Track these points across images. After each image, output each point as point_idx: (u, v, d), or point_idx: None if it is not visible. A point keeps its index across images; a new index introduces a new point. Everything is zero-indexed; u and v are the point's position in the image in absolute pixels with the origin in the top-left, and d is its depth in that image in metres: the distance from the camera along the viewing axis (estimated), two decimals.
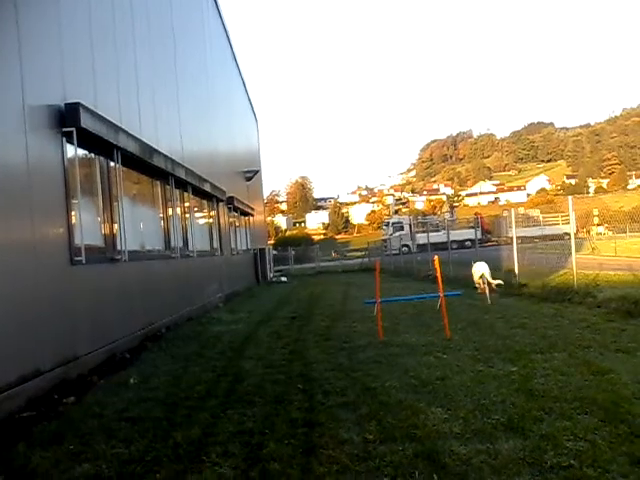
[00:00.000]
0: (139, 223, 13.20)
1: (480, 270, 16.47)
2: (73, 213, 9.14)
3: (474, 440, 5.17)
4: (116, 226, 11.18)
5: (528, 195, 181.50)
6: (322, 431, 5.65)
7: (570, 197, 17.76)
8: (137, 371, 8.96)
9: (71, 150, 9.17)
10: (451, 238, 28.13)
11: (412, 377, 7.55)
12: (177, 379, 8.32)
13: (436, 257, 11.72)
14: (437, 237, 33.67)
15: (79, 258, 9.00)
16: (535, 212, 44.52)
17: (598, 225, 42.17)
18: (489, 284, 15.91)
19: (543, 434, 5.21)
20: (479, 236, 29.48)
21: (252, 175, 33.10)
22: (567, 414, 5.72)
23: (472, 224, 37.53)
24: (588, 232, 36.89)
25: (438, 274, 11.25)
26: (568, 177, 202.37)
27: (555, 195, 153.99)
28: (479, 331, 10.81)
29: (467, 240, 39.38)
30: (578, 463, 4.58)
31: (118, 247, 11.12)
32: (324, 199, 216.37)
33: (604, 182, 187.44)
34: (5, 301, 7.03)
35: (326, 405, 6.56)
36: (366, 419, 5.93)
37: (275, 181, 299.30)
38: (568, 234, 17.92)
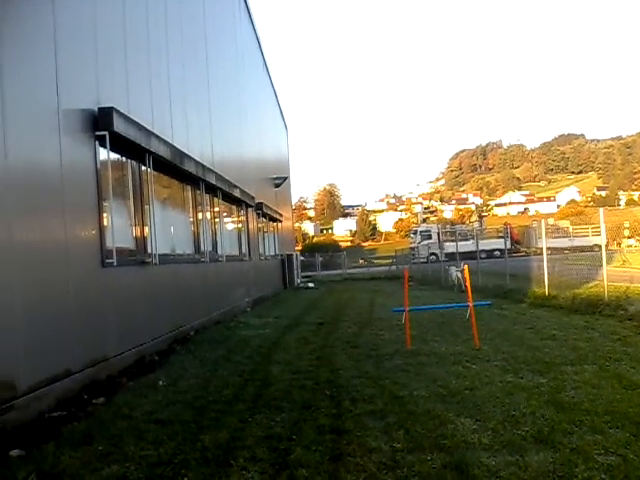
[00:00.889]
0: (169, 227, 13.31)
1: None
2: (105, 215, 9.24)
3: (503, 452, 5.12)
4: (147, 229, 11.29)
5: (558, 206, 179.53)
6: (350, 438, 5.63)
7: (601, 209, 17.58)
8: (166, 374, 9.03)
9: (104, 153, 9.28)
10: (480, 247, 27.94)
11: (440, 387, 7.51)
12: (205, 382, 8.36)
13: (466, 266, 11.65)
14: (465, 246, 33.44)
15: (110, 260, 9.09)
16: (565, 223, 44.12)
17: (629, 238, 41.68)
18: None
19: (573, 447, 5.15)
20: (508, 246, 29.20)
21: (281, 182, 33.22)
22: (598, 428, 5.64)
23: (501, 234, 37.22)
24: (619, 244, 36.49)
25: (468, 283, 11.18)
26: (599, 189, 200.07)
27: (585, 207, 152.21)
28: (508, 342, 10.70)
29: (496, 250, 39.10)
30: (609, 478, 4.52)
31: (149, 250, 11.22)
32: (352, 206, 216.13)
33: (635, 194, 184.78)
34: (36, 301, 7.11)
35: (354, 412, 6.55)
36: (394, 428, 5.90)
37: (303, 188, 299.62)
38: (598, 246, 17.74)
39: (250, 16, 27.26)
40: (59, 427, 6.36)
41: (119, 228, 9.71)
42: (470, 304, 10.99)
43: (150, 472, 4.96)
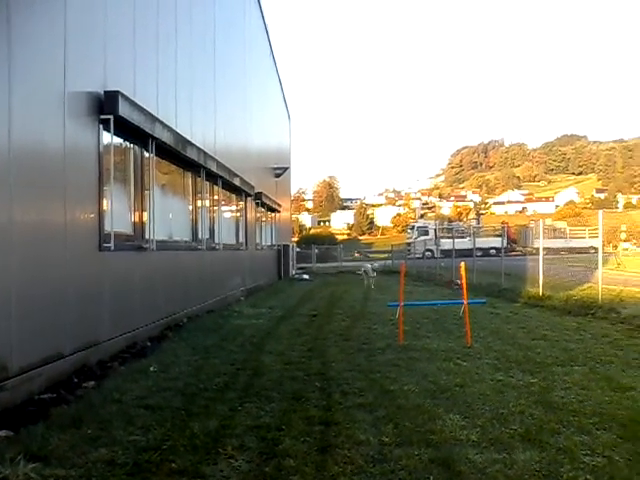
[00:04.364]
0: (168, 213, 13.31)
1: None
2: (105, 200, 9.23)
3: (491, 449, 5.17)
4: (146, 215, 11.28)
5: (556, 207, 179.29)
6: (338, 431, 5.67)
7: (600, 211, 17.58)
8: (157, 360, 9.04)
9: (107, 137, 9.29)
10: (476, 245, 28.00)
11: (431, 382, 7.56)
12: (196, 370, 8.39)
13: (462, 263, 11.67)
14: (462, 244, 33.44)
15: (108, 245, 9.09)
16: (562, 224, 44.20)
17: (625, 241, 41.76)
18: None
19: (560, 447, 5.20)
20: (505, 245, 29.26)
21: (281, 172, 33.11)
22: (586, 429, 5.70)
23: (498, 232, 37.25)
24: (615, 247, 36.56)
25: (463, 281, 11.21)
26: (598, 191, 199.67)
27: (583, 208, 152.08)
28: (500, 340, 10.76)
29: (492, 248, 39.08)
30: (594, 479, 4.57)
31: (146, 236, 11.22)
32: (350, 199, 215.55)
33: (634, 198, 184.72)
34: (32, 282, 7.11)
35: (344, 405, 6.58)
36: (383, 421, 5.94)
37: (303, 179, 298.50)
38: (594, 248, 17.79)
39: (259, 4, 27.24)
40: (48, 409, 6.37)
41: (118, 213, 9.71)
42: (465, 302, 11.03)
43: (138, 457, 4.97)
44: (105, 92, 9.12)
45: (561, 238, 31.99)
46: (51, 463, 4.84)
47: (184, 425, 5.81)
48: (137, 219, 11.04)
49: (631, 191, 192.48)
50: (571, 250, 27.88)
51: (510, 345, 10.29)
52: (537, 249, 19.76)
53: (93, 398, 6.90)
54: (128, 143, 10.66)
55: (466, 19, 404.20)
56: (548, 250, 20.74)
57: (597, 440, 5.38)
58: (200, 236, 15.49)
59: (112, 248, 9.16)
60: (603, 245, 17.02)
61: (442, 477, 4.60)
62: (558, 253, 25.04)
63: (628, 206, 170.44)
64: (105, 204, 9.24)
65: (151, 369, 8.33)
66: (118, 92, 9.21)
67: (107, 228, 9.18)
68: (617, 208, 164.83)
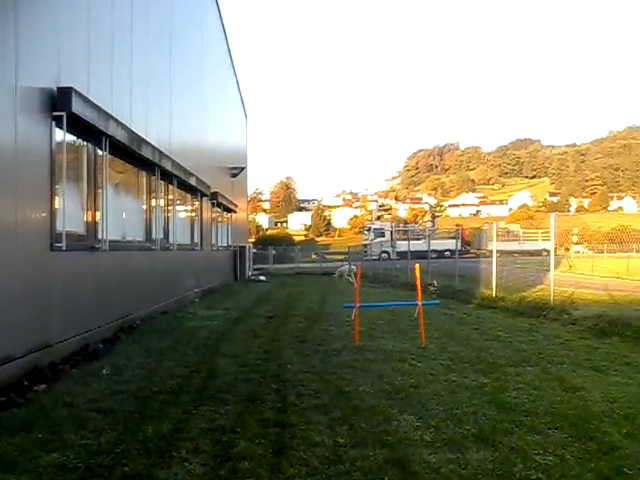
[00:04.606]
0: (122, 213, 13.10)
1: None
2: (57, 198, 9.05)
3: (445, 449, 5.21)
4: (99, 214, 11.09)
5: (510, 210, 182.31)
6: (294, 432, 5.66)
7: (553, 214, 17.87)
8: (110, 362, 8.88)
9: (60, 135, 9.12)
10: (431, 247, 28.26)
11: (386, 383, 7.60)
12: (150, 373, 8.27)
13: (417, 265, 11.76)
14: (417, 245, 33.74)
15: (59, 244, 8.92)
16: (515, 227, 44.93)
17: (576, 244, 42.62)
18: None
19: (513, 447, 5.28)
20: (459, 247, 29.59)
21: (238, 172, 32.88)
22: (538, 428, 5.80)
23: (453, 235, 37.71)
24: (567, 250, 37.28)
25: (418, 282, 11.29)
26: (550, 194, 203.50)
27: (536, 211, 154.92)
28: (454, 341, 10.87)
29: (447, 250, 39.54)
30: (546, 477, 4.65)
31: (99, 236, 11.02)
32: (308, 200, 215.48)
33: (585, 202, 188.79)
34: None
35: (299, 407, 6.57)
36: (338, 423, 5.95)
37: (260, 179, 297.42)
38: (546, 250, 18.08)
39: (217, 3, 27.09)
40: None
41: (70, 212, 9.52)
42: (419, 303, 11.11)
43: (90, 461, 4.89)
44: (58, 88, 8.95)
45: (514, 241, 32.46)
46: (0, 468, 4.73)
47: (137, 428, 5.72)
48: (90, 218, 10.84)
49: (583, 195, 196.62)
50: (524, 252, 28.33)
51: (464, 346, 10.40)
52: (491, 251, 20.00)
53: (44, 401, 6.76)
54: (81, 141, 10.46)
55: (423, 21, 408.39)
56: (501, 252, 21.00)
57: (549, 439, 5.48)
58: (154, 236, 15.29)
59: (64, 248, 8.99)
60: (555, 248, 17.30)
61: (397, 477, 4.63)
62: (511, 255, 25.38)
63: (580, 210, 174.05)
64: (57, 203, 9.07)
65: (103, 372, 8.20)
66: (71, 88, 9.04)
67: (59, 227, 9.01)
68: (569, 211, 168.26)
